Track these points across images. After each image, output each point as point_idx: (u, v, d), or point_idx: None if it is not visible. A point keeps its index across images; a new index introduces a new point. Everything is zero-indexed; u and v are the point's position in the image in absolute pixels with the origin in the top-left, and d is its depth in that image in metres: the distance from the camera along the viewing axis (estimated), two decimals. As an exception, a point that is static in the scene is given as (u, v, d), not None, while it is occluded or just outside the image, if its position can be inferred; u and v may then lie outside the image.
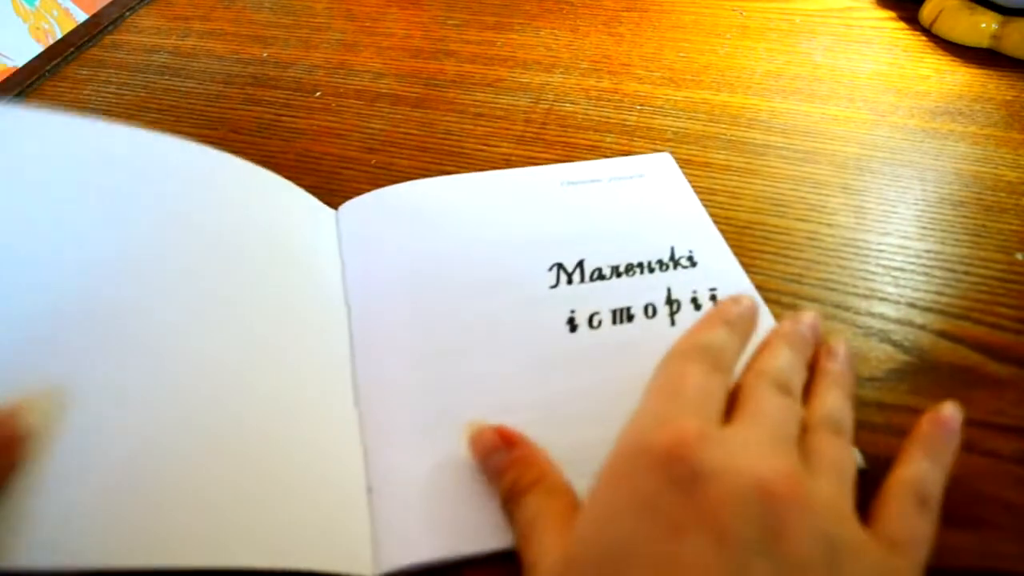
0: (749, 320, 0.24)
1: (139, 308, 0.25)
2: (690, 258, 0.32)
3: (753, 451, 0.19)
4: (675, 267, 0.32)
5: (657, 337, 0.29)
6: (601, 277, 0.31)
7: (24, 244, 0.24)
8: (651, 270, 0.32)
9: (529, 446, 0.24)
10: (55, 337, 0.22)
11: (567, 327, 0.29)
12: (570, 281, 0.31)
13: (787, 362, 0.23)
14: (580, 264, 0.32)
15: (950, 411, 0.23)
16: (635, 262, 0.32)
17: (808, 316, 0.26)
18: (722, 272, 0.32)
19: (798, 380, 0.23)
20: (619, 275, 0.31)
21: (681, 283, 0.31)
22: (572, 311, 0.30)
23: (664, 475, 0.18)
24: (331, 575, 0.22)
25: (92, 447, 0.21)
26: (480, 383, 0.28)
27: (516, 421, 0.25)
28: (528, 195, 0.36)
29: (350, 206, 0.36)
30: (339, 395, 0.27)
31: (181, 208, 0.29)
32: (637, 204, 0.36)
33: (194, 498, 0.21)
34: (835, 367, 0.25)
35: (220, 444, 0.23)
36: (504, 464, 0.23)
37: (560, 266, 0.32)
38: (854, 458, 0.22)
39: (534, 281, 0.31)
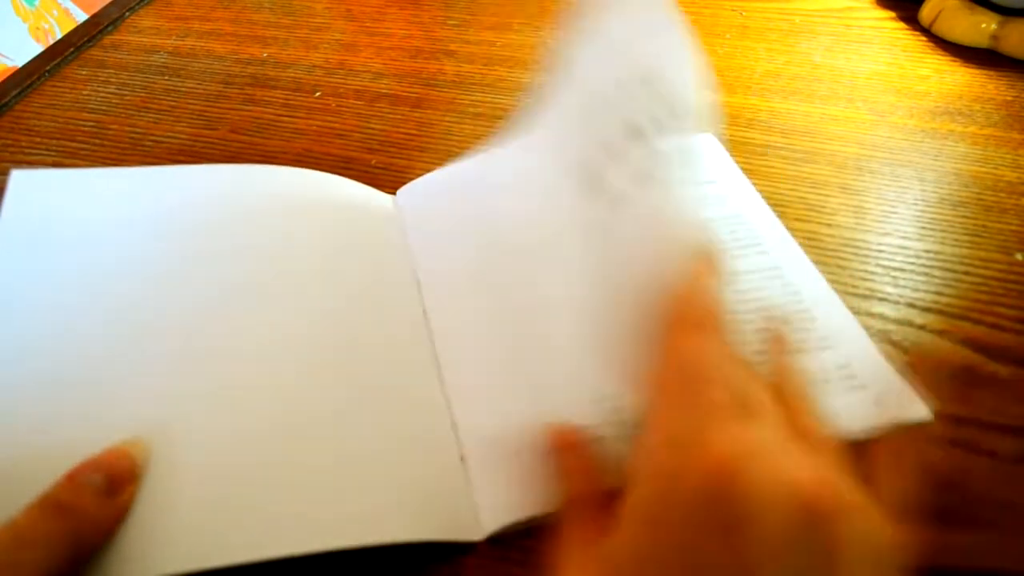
0: (718, 260, 0.24)
1: (236, 315, 0.28)
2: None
3: (783, 458, 0.18)
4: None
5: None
6: None
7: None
8: None
9: (584, 456, 0.25)
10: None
11: None
12: None
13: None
14: None
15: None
16: None
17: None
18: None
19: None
20: None
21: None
22: None
23: (702, 519, 0.17)
24: (443, 544, 0.23)
25: (203, 455, 0.23)
26: (553, 352, 0.28)
27: (591, 389, 0.27)
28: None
29: (407, 190, 0.37)
30: (424, 370, 0.28)
31: (261, 227, 0.32)
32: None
33: (312, 488, 0.23)
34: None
35: (324, 434, 0.24)
36: (560, 468, 0.25)
37: None
38: None
39: None
